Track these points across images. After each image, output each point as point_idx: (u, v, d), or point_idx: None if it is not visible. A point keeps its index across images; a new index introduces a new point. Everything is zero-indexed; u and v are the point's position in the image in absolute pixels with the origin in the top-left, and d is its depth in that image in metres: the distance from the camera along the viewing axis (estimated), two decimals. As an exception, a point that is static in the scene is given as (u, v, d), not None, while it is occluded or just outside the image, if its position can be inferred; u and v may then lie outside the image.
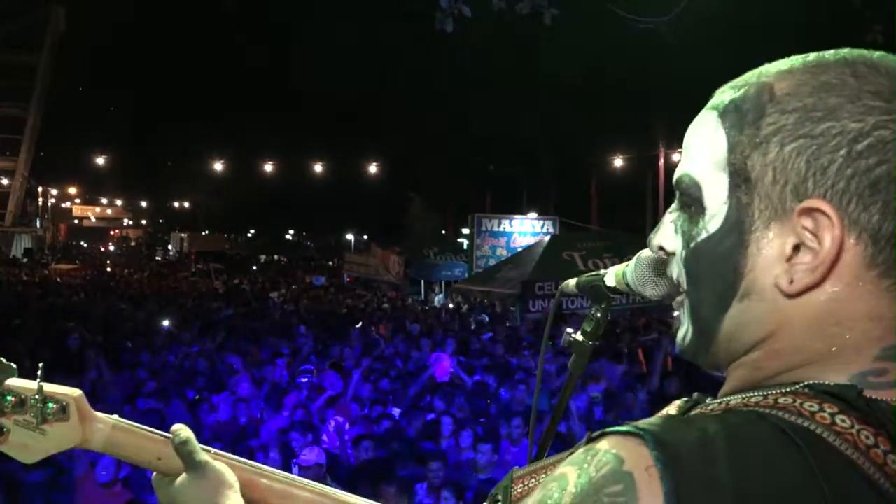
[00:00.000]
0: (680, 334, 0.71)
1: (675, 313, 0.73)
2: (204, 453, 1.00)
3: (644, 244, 0.82)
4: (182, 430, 1.01)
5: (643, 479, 0.53)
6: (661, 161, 22.09)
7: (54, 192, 51.36)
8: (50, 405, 0.96)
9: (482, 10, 6.23)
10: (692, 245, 0.67)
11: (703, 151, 0.67)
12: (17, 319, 12.33)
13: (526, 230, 20.46)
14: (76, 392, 1.00)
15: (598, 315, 0.96)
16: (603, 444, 0.57)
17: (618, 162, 24.02)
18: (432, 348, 9.46)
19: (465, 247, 23.17)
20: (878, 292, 0.60)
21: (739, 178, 0.63)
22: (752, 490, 0.52)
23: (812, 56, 0.65)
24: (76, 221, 65.21)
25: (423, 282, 22.41)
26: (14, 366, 0.97)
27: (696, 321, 0.68)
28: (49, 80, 34.62)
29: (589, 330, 0.95)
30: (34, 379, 0.99)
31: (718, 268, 0.65)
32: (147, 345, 10.11)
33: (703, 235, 0.66)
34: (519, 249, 18.94)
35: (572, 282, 1.00)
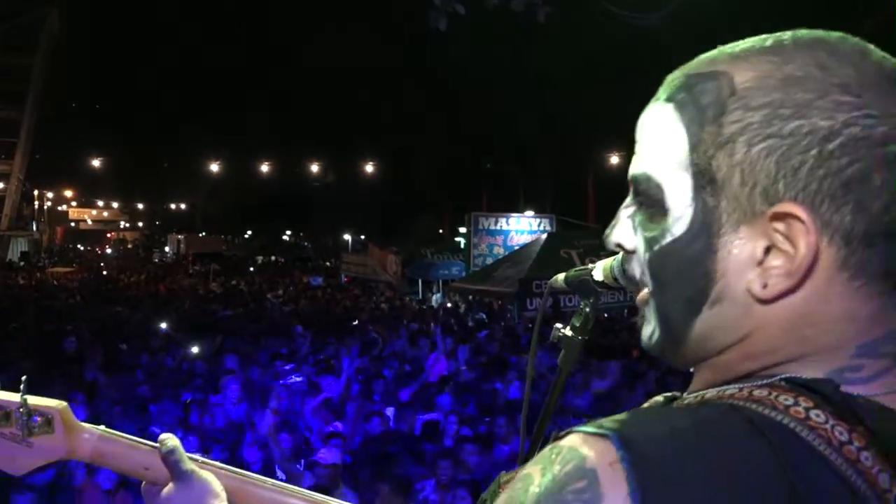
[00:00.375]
0: (646, 332, 0.70)
1: (640, 308, 0.71)
2: (191, 462, 0.99)
3: None
4: (169, 440, 1.00)
5: (606, 474, 0.53)
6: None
7: (50, 195, 51.27)
8: (35, 418, 0.96)
9: (476, 7, 6.22)
10: (656, 248, 0.65)
11: (661, 148, 0.64)
12: (14, 323, 12.31)
13: (523, 228, 20.45)
14: (61, 404, 1.00)
15: (588, 310, 0.95)
16: (567, 442, 0.57)
17: (614, 159, 24.05)
18: (431, 348, 9.46)
19: (462, 246, 23.17)
20: (851, 293, 0.59)
21: (704, 178, 0.61)
22: (721, 486, 0.51)
23: (768, 40, 0.62)
24: (72, 224, 65.12)
25: (420, 281, 22.41)
26: None
27: (664, 322, 0.67)
28: (44, 82, 34.55)
29: (578, 325, 0.94)
30: (21, 390, 0.99)
31: (687, 272, 0.63)
32: (144, 347, 10.09)
33: (668, 239, 0.64)
34: (516, 248, 18.94)
35: (561, 277, 0.99)
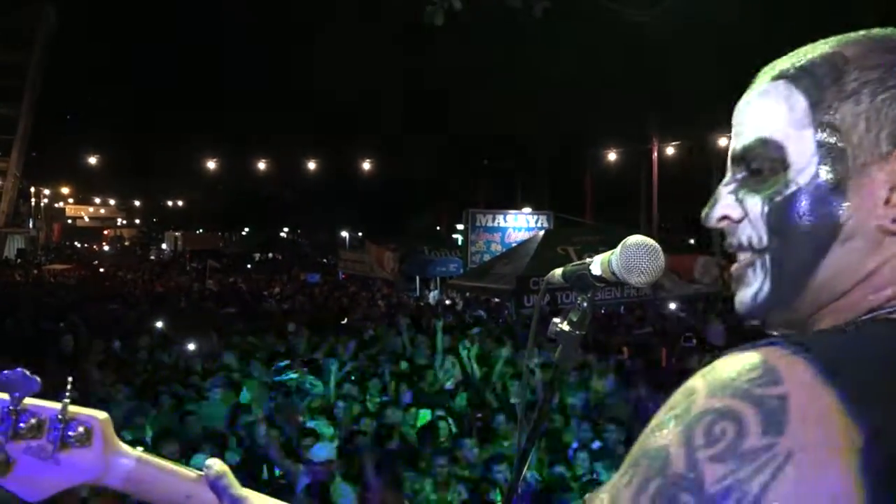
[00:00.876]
0: (749, 293, 0.72)
1: (739, 274, 0.74)
2: (241, 488, 0.91)
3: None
4: (216, 464, 0.90)
5: (783, 363, 0.54)
6: (655, 154, 22.10)
7: (47, 192, 51.13)
8: (72, 426, 0.82)
9: (474, 3, 6.20)
10: (778, 200, 0.69)
11: (776, 115, 0.70)
12: (10, 319, 12.27)
13: (521, 225, 20.44)
14: (103, 414, 0.87)
15: (585, 304, 0.94)
16: (728, 355, 0.58)
17: (611, 156, 24.04)
18: (427, 344, 9.45)
19: (459, 242, 23.15)
20: None
21: (829, 129, 0.67)
22: None
23: (861, 32, 0.70)
24: (69, 221, 64.98)
25: (417, 278, 22.38)
26: (38, 380, 0.81)
27: (780, 275, 0.70)
28: (40, 79, 34.42)
29: (575, 319, 0.93)
30: (63, 396, 0.85)
31: (816, 216, 0.67)
32: (140, 344, 10.07)
33: (792, 188, 0.68)
34: (514, 244, 18.92)
35: (558, 272, 0.98)
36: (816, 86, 0.68)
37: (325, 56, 23.59)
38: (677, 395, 0.57)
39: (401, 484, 4.12)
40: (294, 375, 7.50)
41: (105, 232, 65.85)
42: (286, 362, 8.17)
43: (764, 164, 0.70)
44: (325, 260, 37.30)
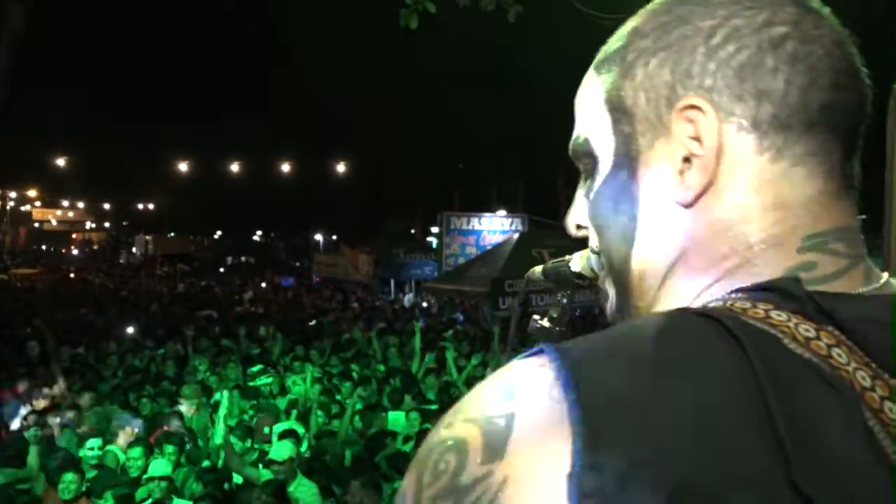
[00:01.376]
0: (608, 307, 0.68)
1: (600, 288, 0.71)
2: None
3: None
4: None
5: (527, 375, 0.48)
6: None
7: (13, 194, 50.12)
8: None
9: (447, 6, 6.20)
10: (591, 197, 0.66)
11: (583, 108, 0.67)
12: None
13: (495, 228, 20.51)
14: None
15: (565, 301, 0.94)
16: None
17: (585, 159, 24.25)
18: (401, 347, 9.45)
19: (434, 245, 23.14)
20: (775, 178, 0.57)
21: (617, 112, 0.63)
22: (680, 366, 0.47)
23: None
24: (36, 225, 63.75)
25: (392, 281, 22.33)
26: None
27: (615, 277, 0.66)
28: (6, 80, 33.76)
29: (556, 316, 0.94)
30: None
31: (616, 205, 0.63)
32: (108, 350, 9.92)
33: (598, 182, 0.65)
34: (488, 247, 18.97)
35: (538, 269, 0.98)
36: (607, 68, 0.64)
37: (299, 58, 23.46)
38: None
39: (378, 486, 4.11)
40: (268, 380, 7.45)
41: (73, 235, 64.73)
42: (259, 367, 8.11)
43: (585, 162, 0.67)
44: (298, 263, 37.05)
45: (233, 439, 5.39)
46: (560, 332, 0.93)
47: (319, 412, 6.33)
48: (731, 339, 0.48)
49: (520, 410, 0.46)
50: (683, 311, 0.52)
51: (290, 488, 4.42)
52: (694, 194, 0.58)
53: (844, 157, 0.59)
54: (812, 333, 0.50)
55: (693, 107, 0.57)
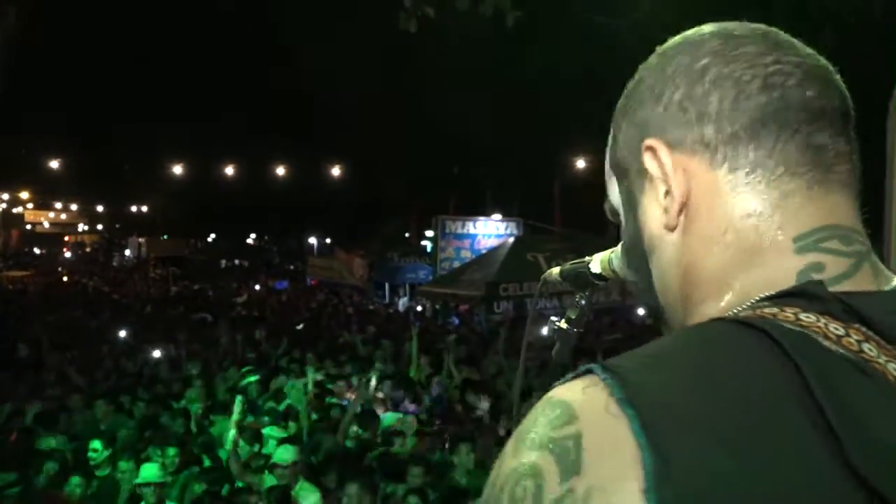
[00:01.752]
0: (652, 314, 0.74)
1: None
2: None
3: (607, 244, 0.85)
4: None
5: (583, 395, 0.51)
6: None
7: (5, 196, 49.89)
8: None
9: (445, 11, 6.21)
10: (620, 251, 0.77)
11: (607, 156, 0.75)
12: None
13: (490, 232, 20.51)
14: None
15: (583, 303, 0.93)
16: (552, 392, 0.54)
17: (580, 163, 24.25)
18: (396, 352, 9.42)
19: (428, 249, 23.12)
20: (738, 187, 0.61)
21: (617, 172, 0.72)
22: (729, 386, 0.49)
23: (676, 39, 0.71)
24: (28, 227, 63.44)
25: (387, 285, 22.31)
26: None
27: (649, 302, 0.72)
28: (1, 79, 33.57)
29: (574, 318, 0.93)
30: None
31: (631, 247, 0.72)
32: (103, 352, 9.86)
33: (622, 237, 0.74)
34: (483, 251, 18.97)
35: (556, 270, 0.97)
36: (615, 119, 0.72)
37: (295, 59, 23.44)
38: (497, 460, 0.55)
39: (375, 489, 4.10)
40: (253, 379, 7.44)
41: (66, 238, 64.43)
42: (248, 367, 8.10)
43: (616, 219, 0.75)
44: (292, 267, 36.96)
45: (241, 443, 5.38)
46: (577, 333, 0.92)
47: (314, 414, 6.31)
48: (771, 343, 0.50)
49: (585, 429, 0.49)
50: (719, 321, 0.55)
51: (293, 492, 4.41)
52: (675, 216, 0.64)
53: (810, 151, 0.61)
54: (842, 332, 0.52)
55: (650, 147, 0.65)
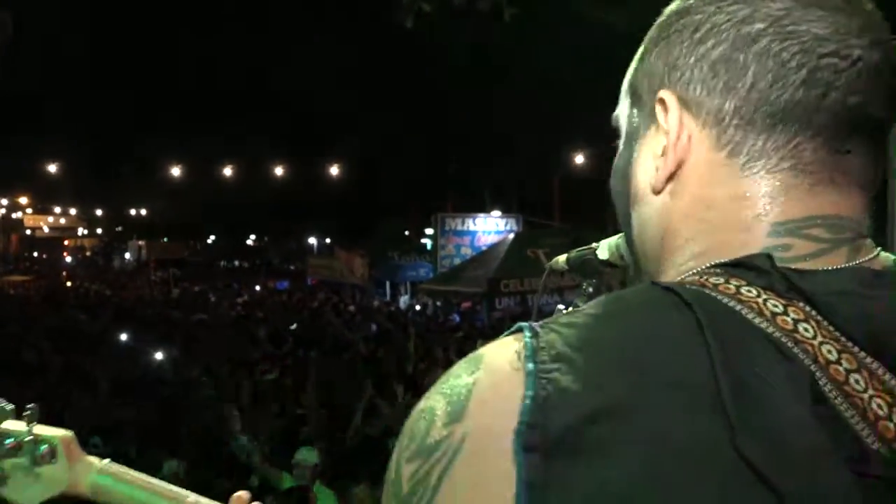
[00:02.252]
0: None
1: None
2: None
3: (604, 239, 0.84)
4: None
5: (497, 349, 0.53)
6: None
7: (4, 202, 49.87)
8: (41, 447, 0.93)
9: (442, 6, 6.21)
10: (612, 169, 0.72)
11: (622, 90, 0.72)
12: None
13: (490, 229, 20.52)
14: (66, 433, 0.97)
15: (591, 290, 0.93)
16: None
17: (579, 159, 24.23)
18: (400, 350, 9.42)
19: (428, 247, 23.12)
20: (737, 172, 0.59)
21: (633, 95, 0.68)
22: (636, 346, 0.50)
23: None
24: (28, 232, 63.41)
25: (388, 283, 22.32)
26: (11, 407, 0.95)
27: (631, 253, 0.72)
28: (-4, 86, 33.53)
29: (582, 305, 0.93)
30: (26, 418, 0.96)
31: (619, 182, 0.69)
32: (106, 355, 9.87)
33: (616, 156, 0.71)
34: (483, 248, 18.98)
35: (562, 258, 0.98)
36: (652, 35, 0.67)
37: (292, 59, 23.42)
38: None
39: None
40: (272, 377, 7.45)
41: (66, 242, 64.40)
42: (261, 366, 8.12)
43: (618, 138, 0.73)
44: (291, 267, 36.96)
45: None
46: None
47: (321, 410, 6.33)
48: (687, 311, 0.51)
49: (481, 379, 0.51)
50: (655, 286, 0.55)
51: (312, 494, 4.41)
52: (661, 182, 0.62)
53: (829, 153, 0.58)
54: (780, 309, 0.51)
55: (663, 101, 0.62)
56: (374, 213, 32.05)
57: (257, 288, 25.21)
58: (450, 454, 0.50)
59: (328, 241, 38.26)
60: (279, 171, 29.84)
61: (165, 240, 49.21)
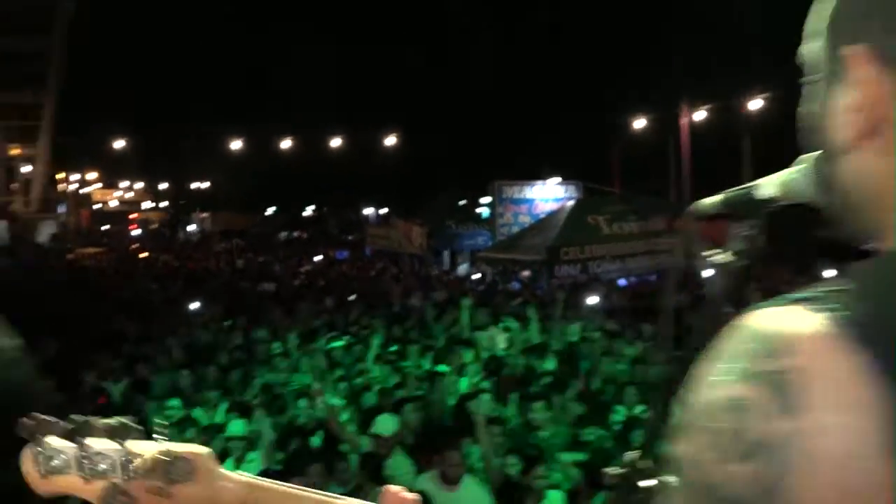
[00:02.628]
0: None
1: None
2: None
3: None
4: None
5: (798, 328, 0.48)
6: (684, 121, 21.68)
7: (74, 177, 51.71)
8: (176, 467, 0.88)
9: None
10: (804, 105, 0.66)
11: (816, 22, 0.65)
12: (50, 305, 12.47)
13: (548, 196, 20.31)
14: (204, 450, 0.92)
15: (754, 232, 0.87)
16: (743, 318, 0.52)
17: (639, 123, 23.66)
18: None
19: (484, 215, 23.02)
20: None
21: (832, 32, 0.61)
22: None
23: None
24: (97, 206, 65.80)
25: (445, 252, 22.38)
26: (141, 428, 0.91)
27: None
28: (61, 65, 34.57)
29: (739, 249, 0.87)
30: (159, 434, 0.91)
31: (814, 125, 0.64)
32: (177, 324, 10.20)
33: (808, 96, 0.65)
34: (542, 216, 18.81)
35: (709, 200, 0.91)
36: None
37: (349, 36, 23.44)
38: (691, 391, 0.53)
39: (460, 449, 4.16)
40: (342, 342, 7.59)
41: (132, 216, 66.63)
42: (332, 333, 8.27)
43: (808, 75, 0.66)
44: (349, 237, 37.37)
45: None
46: (744, 265, 0.87)
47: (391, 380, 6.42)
48: None
49: (807, 363, 0.47)
50: None
51: (387, 462, 4.47)
52: (853, 139, 0.58)
53: None
54: None
55: (858, 55, 0.57)
56: (430, 183, 32.09)
57: (318, 258, 25.58)
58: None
59: (385, 210, 38.55)
60: (336, 142, 30.09)
61: (227, 212, 50.34)
